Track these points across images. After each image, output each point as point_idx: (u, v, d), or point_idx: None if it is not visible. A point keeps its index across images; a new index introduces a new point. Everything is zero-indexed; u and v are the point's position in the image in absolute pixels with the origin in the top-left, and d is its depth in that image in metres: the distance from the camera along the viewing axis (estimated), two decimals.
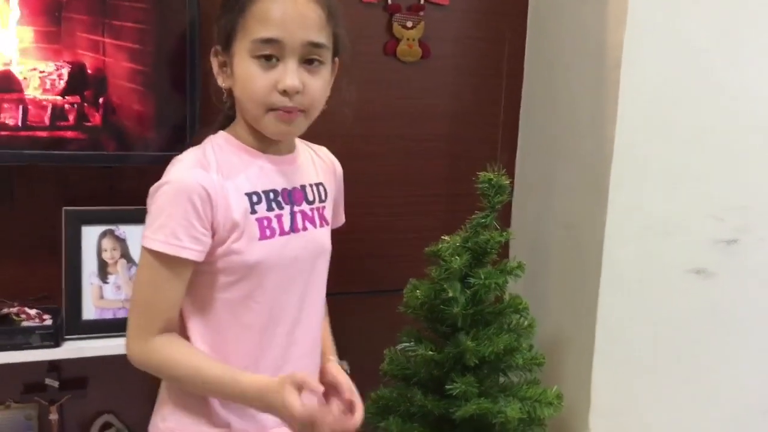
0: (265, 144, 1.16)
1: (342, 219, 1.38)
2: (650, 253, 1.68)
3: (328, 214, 1.26)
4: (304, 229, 1.19)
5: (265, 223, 1.14)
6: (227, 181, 1.11)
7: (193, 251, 1.08)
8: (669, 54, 1.59)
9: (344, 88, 1.22)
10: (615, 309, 1.68)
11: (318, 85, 1.10)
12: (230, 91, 1.15)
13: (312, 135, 1.76)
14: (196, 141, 1.17)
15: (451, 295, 1.36)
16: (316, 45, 1.09)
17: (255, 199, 1.13)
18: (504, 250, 1.97)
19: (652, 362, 1.73)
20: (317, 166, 1.28)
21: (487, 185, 1.42)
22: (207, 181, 1.08)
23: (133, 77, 1.53)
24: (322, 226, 1.23)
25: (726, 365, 1.78)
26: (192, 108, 1.57)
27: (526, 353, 1.43)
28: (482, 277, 1.37)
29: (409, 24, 1.84)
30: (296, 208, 1.18)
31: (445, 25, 1.89)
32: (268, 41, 1.06)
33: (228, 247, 1.11)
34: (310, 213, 1.21)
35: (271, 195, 1.15)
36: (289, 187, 1.19)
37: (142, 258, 1.10)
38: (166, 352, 1.10)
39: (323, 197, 1.25)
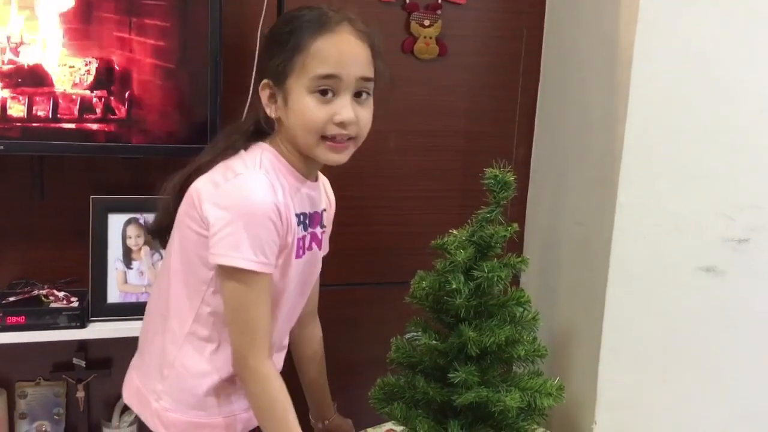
0: (308, 170, 1.27)
1: (327, 248, 1.45)
2: (659, 250, 1.70)
3: (324, 238, 1.38)
4: (310, 248, 1.31)
5: (301, 243, 1.26)
6: (289, 203, 1.21)
7: (274, 266, 1.19)
8: (680, 53, 1.61)
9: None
10: (623, 305, 1.70)
11: (367, 115, 1.23)
12: (278, 120, 1.23)
13: None
14: (231, 144, 1.25)
15: (454, 286, 1.40)
16: (367, 79, 1.21)
17: (297, 220, 1.24)
18: (518, 243, 2.01)
19: (659, 358, 1.75)
20: (323, 195, 1.38)
21: (492, 181, 1.45)
22: (279, 202, 1.17)
23: (157, 73, 1.60)
24: (321, 248, 1.36)
25: (734, 363, 1.79)
26: (213, 102, 1.64)
27: (528, 345, 1.46)
28: (485, 270, 1.41)
29: (427, 22, 1.88)
30: (311, 230, 1.30)
31: (462, 23, 1.93)
32: (328, 77, 1.16)
33: (277, 262, 1.21)
34: (319, 236, 1.34)
35: (302, 217, 1.26)
36: (311, 212, 1.30)
37: (232, 279, 1.17)
38: (278, 385, 1.21)
39: (325, 223, 1.37)
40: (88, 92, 1.56)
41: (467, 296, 1.41)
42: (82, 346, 1.81)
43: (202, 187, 1.20)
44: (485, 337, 1.40)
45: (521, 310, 1.47)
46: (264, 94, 1.23)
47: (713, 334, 1.77)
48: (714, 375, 1.79)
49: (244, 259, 1.13)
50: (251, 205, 1.14)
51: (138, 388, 1.33)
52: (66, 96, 1.55)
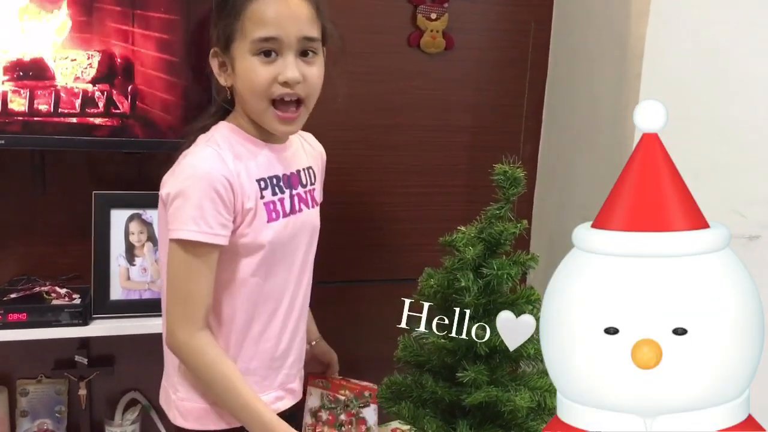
0: (266, 134, 1.26)
1: (321, 197, 1.45)
2: None
3: (317, 195, 1.37)
4: (300, 210, 1.29)
5: (272, 206, 1.24)
6: (240, 170, 1.19)
7: (224, 237, 1.17)
8: (691, 47, 1.58)
9: (337, 81, 1.30)
10: None
11: (315, 73, 1.21)
12: (230, 89, 1.24)
13: (336, 125, 1.80)
14: (193, 130, 1.26)
15: (463, 284, 1.38)
16: (310, 39, 1.19)
17: (263, 185, 1.23)
18: (525, 240, 1.98)
19: None
20: (306, 151, 1.38)
21: (502, 177, 1.42)
22: (227, 171, 1.17)
23: (160, 66, 1.58)
24: (313, 206, 1.34)
25: None
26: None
27: (538, 343, 1.43)
28: (495, 267, 1.38)
29: (434, 15, 1.86)
30: (293, 192, 1.29)
31: (469, 16, 1.90)
32: (267, 39, 1.16)
33: (242, 230, 1.20)
34: (304, 195, 1.31)
35: (274, 180, 1.25)
36: (287, 173, 1.28)
37: (174, 250, 1.17)
38: (212, 355, 1.19)
39: (313, 180, 1.36)
40: (90, 86, 1.54)
41: (476, 294, 1.38)
42: (84, 343, 1.79)
43: (164, 177, 1.21)
44: (494, 336, 1.37)
45: (531, 308, 1.44)
46: (214, 63, 1.23)
47: None
48: None
49: (185, 230, 1.14)
50: (194, 178, 1.15)
51: (164, 386, 1.34)
52: (68, 90, 1.53)
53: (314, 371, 1.55)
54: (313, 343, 1.54)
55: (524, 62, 1.98)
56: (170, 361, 1.30)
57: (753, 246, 1.72)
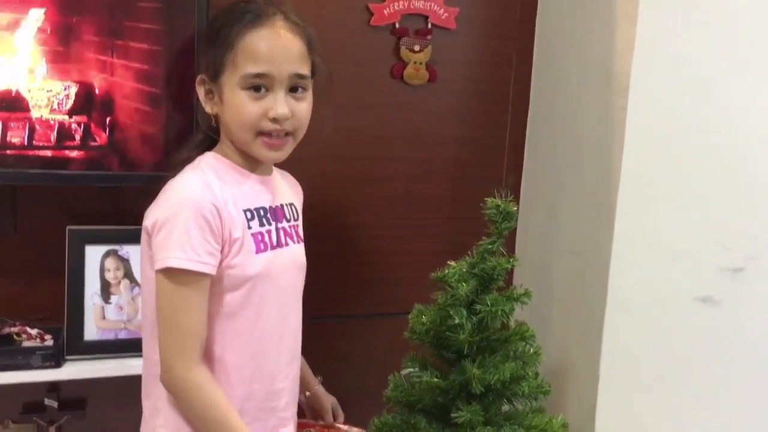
0: (252, 164, 1.25)
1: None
2: (656, 280, 1.67)
3: (301, 232, 1.35)
4: (286, 244, 1.27)
5: (260, 237, 1.21)
6: (228, 198, 1.17)
7: (211, 266, 1.13)
8: (676, 80, 1.59)
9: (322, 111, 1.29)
10: (621, 336, 1.66)
11: (304, 109, 1.21)
12: (215, 117, 1.22)
13: (319, 157, 1.77)
14: (177, 161, 1.24)
15: (457, 321, 1.35)
16: (301, 76, 1.19)
17: (249, 215, 1.21)
18: (509, 274, 1.96)
19: (658, 390, 1.71)
20: (287, 188, 1.36)
21: (494, 211, 1.41)
22: (214, 198, 1.15)
23: (140, 97, 1.52)
24: (298, 242, 1.32)
25: (732, 394, 1.76)
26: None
27: (532, 381, 1.41)
28: (488, 303, 1.36)
29: (417, 47, 1.84)
30: (279, 225, 1.27)
31: (453, 49, 1.89)
32: (258, 76, 1.15)
33: (228, 261, 1.17)
34: (289, 230, 1.29)
35: (261, 212, 1.23)
36: (273, 205, 1.27)
37: (161, 281, 1.13)
38: (209, 390, 1.15)
39: (296, 216, 1.34)
40: (66, 118, 1.48)
41: (470, 331, 1.36)
42: (54, 385, 1.70)
43: (148, 209, 1.18)
44: (489, 375, 1.35)
45: (524, 344, 1.42)
46: (200, 90, 1.22)
47: (710, 364, 1.74)
48: (712, 405, 1.76)
49: (171, 258, 1.10)
50: (180, 204, 1.12)
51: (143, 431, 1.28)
52: (43, 122, 1.47)
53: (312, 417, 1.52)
54: (308, 393, 1.49)
55: (506, 94, 1.97)
56: (151, 404, 1.24)
57: (737, 278, 1.73)
